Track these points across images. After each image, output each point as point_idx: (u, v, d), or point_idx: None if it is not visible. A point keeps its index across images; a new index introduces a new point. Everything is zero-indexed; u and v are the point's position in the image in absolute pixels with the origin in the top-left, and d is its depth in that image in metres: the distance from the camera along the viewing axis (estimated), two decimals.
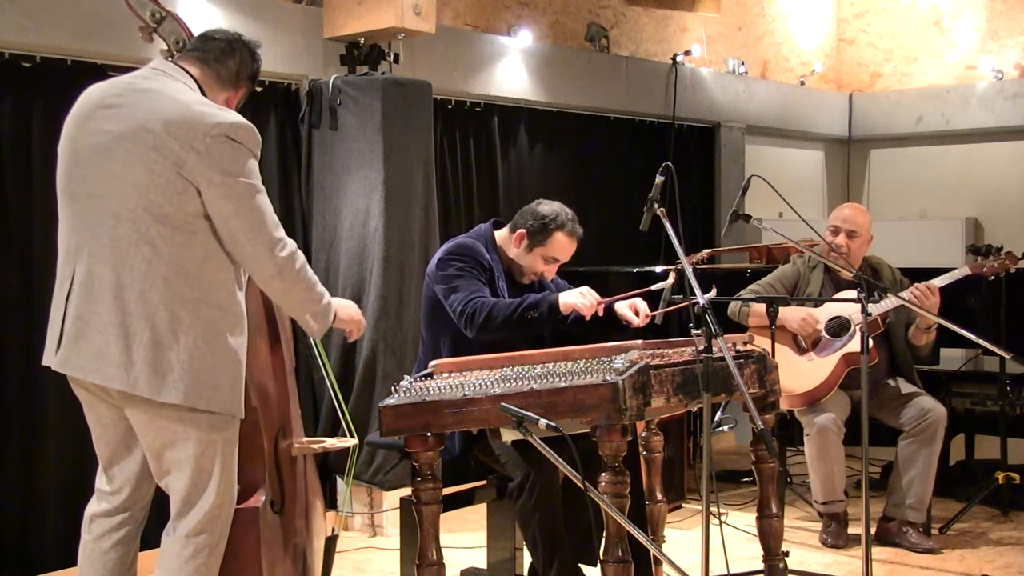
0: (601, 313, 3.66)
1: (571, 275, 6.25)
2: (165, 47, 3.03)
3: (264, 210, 2.75)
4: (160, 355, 2.65)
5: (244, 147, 2.72)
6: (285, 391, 3.14)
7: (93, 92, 2.82)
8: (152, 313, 2.65)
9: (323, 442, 3.30)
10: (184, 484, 2.75)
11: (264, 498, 2.94)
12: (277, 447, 3.05)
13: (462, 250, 3.75)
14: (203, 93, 2.85)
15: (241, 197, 2.70)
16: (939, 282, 4.51)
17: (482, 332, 3.58)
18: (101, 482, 2.92)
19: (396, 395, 2.96)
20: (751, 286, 4.88)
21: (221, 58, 2.89)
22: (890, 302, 4.49)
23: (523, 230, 3.79)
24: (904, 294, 4.45)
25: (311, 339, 3.24)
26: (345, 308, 3.07)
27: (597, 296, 3.63)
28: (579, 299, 3.59)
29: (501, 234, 3.88)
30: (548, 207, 3.81)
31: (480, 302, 3.59)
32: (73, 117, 2.81)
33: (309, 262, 5.04)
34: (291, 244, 2.81)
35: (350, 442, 3.35)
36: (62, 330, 2.73)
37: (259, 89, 4.98)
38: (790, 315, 4.70)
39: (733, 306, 4.83)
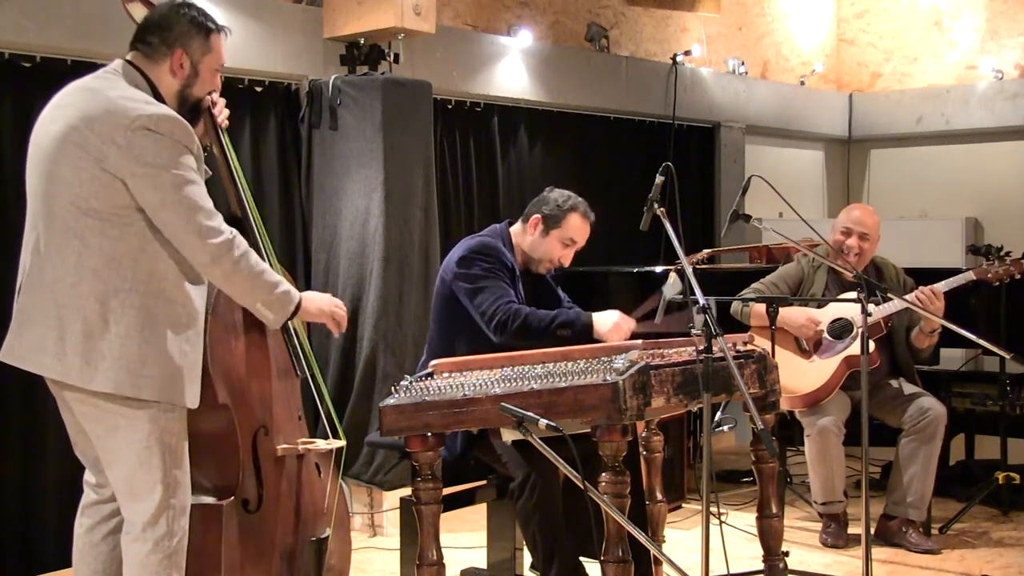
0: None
1: (572, 275, 6.28)
2: None
3: (193, 199, 2.75)
4: (91, 345, 2.69)
5: (168, 138, 2.72)
6: (269, 390, 3.13)
7: (57, 94, 2.88)
8: (82, 304, 2.70)
9: (311, 443, 3.29)
10: (124, 475, 2.76)
11: (232, 497, 2.94)
12: (257, 446, 3.04)
13: (487, 249, 3.73)
14: (150, 82, 2.85)
15: (166, 188, 2.71)
16: (943, 286, 4.49)
17: (512, 339, 3.57)
18: (88, 475, 2.96)
19: (396, 395, 2.96)
20: (753, 285, 4.87)
21: (146, 37, 2.88)
22: (894, 304, 4.47)
23: (538, 215, 3.81)
24: (908, 297, 4.44)
25: (295, 338, 3.23)
26: (315, 301, 3.05)
27: (632, 323, 3.62)
28: (615, 329, 3.59)
29: (515, 230, 3.90)
30: (559, 192, 3.86)
31: (514, 309, 3.59)
32: (39, 119, 2.88)
33: (309, 262, 5.12)
34: (228, 231, 2.80)
35: (337, 443, 3.34)
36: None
37: (259, 89, 4.99)
38: (791, 317, 4.68)
39: (736, 306, 4.82)
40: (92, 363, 2.69)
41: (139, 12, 3.07)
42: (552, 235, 3.80)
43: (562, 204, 3.80)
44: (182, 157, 2.74)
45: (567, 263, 3.89)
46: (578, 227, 3.81)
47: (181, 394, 2.78)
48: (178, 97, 2.90)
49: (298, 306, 2.95)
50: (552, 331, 3.56)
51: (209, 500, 2.95)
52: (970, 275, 4.58)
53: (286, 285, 2.93)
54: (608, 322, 3.62)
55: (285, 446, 3.15)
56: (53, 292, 2.72)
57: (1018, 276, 4.64)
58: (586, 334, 3.61)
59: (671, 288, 3.59)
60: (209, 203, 2.80)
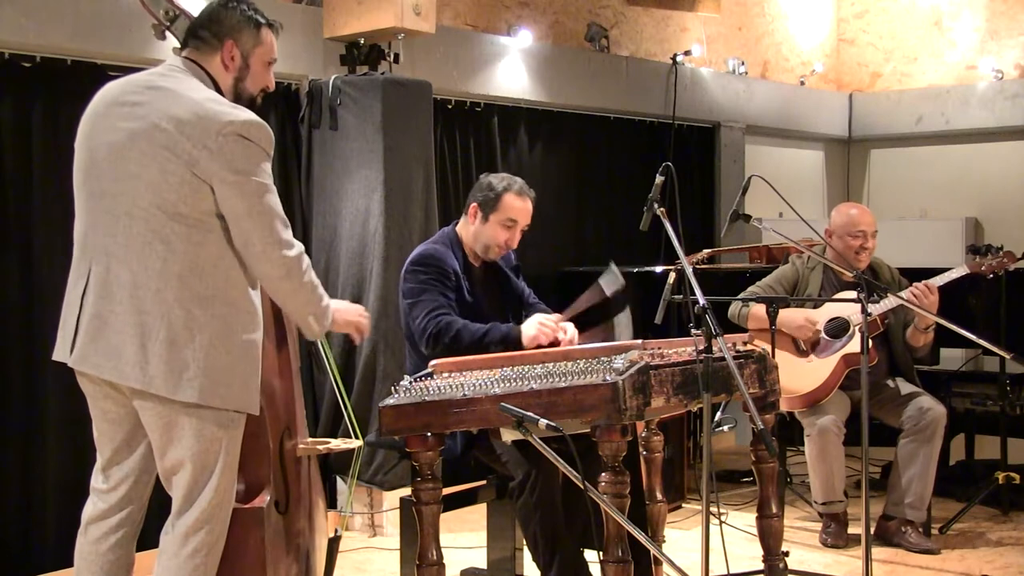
0: (567, 333, 3.69)
1: (572, 275, 6.30)
2: (179, 45, 3.02)
3: (275, 210, 2.75)
4: (175, 353, 2.65)
5: (257, 146, 2.71)
6: (291, 391, 3.14)
7: (110, 89, 2.82)
8: (167, 311, 2.66)
9: (328, 443, 3.29)
10: (187, 481, 2.74)
11: (269, 498, 2.94)
12: (282, 447, 3.05)
13: (425, 259, 3.76)
14: (211, 78, 2.84)
15: (252, 196, 2.69)
16: (938, 281, 4.50)
17: (445, 352, 3.59)
18: (97, 481, 2.90)
19: (396, 395, 2.96)
20: (750, 288, 4.87)
21: (198, 32, 2.86)
22: (889, 302, 4.48)
23: (474, 204, 3.84)
24: (903, 293, 4.45)
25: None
26: (343, 312, 3.05)
27: (554, 320, 3.64)
28: (539, 331, 3.60)
29: (460, 225, 3.92)
30: (493, 177, 3.89)
31: (445, 321, 3.61)
32: (90, 114, 2.81)
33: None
34: (299, 245, 2.81)
35: (354, 443, 3.34)
36: (77, 327, 2.73)
37: None
38: (788, 319, 4.68)
39: (733, 308, 4.82)
40: (176, 371, 2.65)
41: (160, 3, 3.03)
42: (491, 220, 3.81)
43: (495, 187, 3.82)
44: (264, 164, 2.73)
45: (515, 244, 3.89)
46: (515, 206, 3.82)
47: (254, 402, 2.78)
48: (233, 92, 2.87)
49: (332, 318, 2.96)
50: (484, 345, 3.58)
51: (239, 503, 2.95)
52: (963, 268, 4.58)
53: (327, 297, 2.93)
54: (532, 327, 3.63)
55: (303, 446, 3.16)
56: (135, 298, 2.66)
57: (1011, 268, 4.65)
58: (517, 345, 3.62)
59: (611, 282, 3.62)
60: (283, 214, 2.78)
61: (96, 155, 2.75)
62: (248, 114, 2.75)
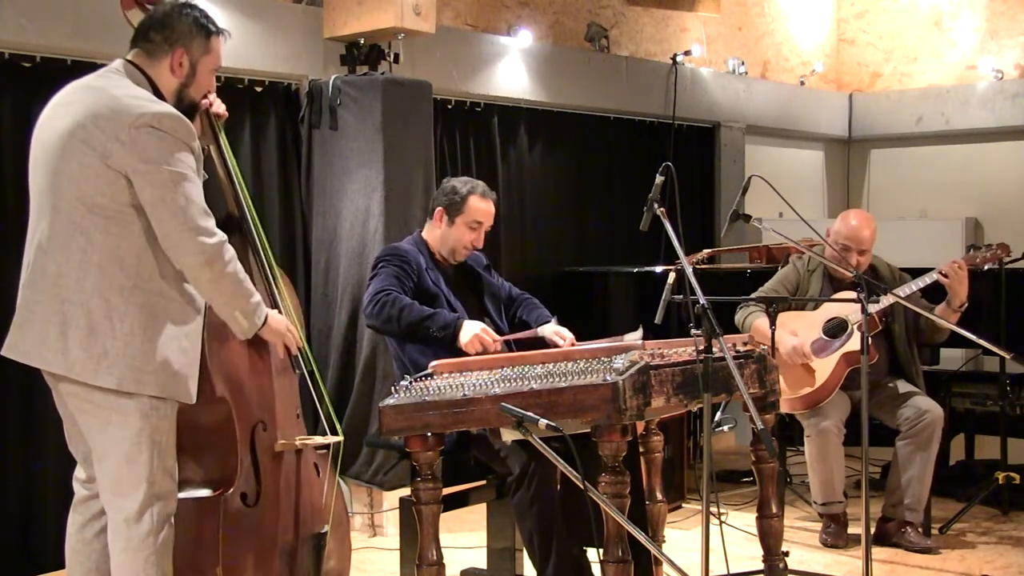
0: (499, 349, 3.68)
1: (572, 275, 6.30)
2: None
3: (191, 197, 2.77)
4: (94, 340, 2.72)
5: (171, 136, 2.75)
6: (269, 387, 3.16)
7: (60, 92, 2.92)
8: (87, 300, 2.73)
9: (308, 439, 3.31)
10: (112, 470, 2.78)
11: (232, 490, 2.96)
12: (255, 441, 3.06)
13: (389, 251, 3.89)
14: (151, 81, 2.88)
15: (165, 184, 2.74)
16: (913, 286, 4.51)
17: (384, 326, 3.67)
18: (78, 471, 2.98)
19: (396, 395, 2.97)
20: (754, 295, 4.80)
21: (148, 34, 2.91)
22: (889, 299, 4.47)
23: (440, 208, 3.92)
24: (931, 276, 4.43)
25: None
26: (279, 319, 3.08)
27: (495, 336, 3.64)
28: (476, 339, 3.59)
29: (425, 229, 3.98)
30: (457, 180, 3.99)
31: (392, 296, 3.67)
32: (41, 117, 2.91)
33: (309, 262, 5.12)
34: (220, 235, 2.83)
35: (333, 439, 3.34)
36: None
37: (259, 89, 4.99)
38: (779, 341, 4.61)
39: (740, 315, 4.76)
40: (95, 358, 2.71)
41: (137, 18, 3.09)
42: (457, 222, 3.90)
43: (459, 190, 3.92)
44: (181, 154, 2.77)
45: (480, 244, 3.97)
46: (479, 208, 3.92)
47: (183, 389, 2.81)
48: (176, 96, 2.93)
49: (265, 320, 2.98)
50: (425, 327, 3.61)
51: (206, 493, 2.96)
52: (934, 274, 4.55)
53: (258, 296, 2.96)
54: (469, 332, 3.62)
55: (283, 442, 3.16)
56: (57, 287, 2.74)
57: (1007, 261, 4.65)
58: (455, 338, 3.61)
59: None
60: (204, 203, 2.81)
61: (38, 154, 2.86)
62: (163, 106, 2.80)
